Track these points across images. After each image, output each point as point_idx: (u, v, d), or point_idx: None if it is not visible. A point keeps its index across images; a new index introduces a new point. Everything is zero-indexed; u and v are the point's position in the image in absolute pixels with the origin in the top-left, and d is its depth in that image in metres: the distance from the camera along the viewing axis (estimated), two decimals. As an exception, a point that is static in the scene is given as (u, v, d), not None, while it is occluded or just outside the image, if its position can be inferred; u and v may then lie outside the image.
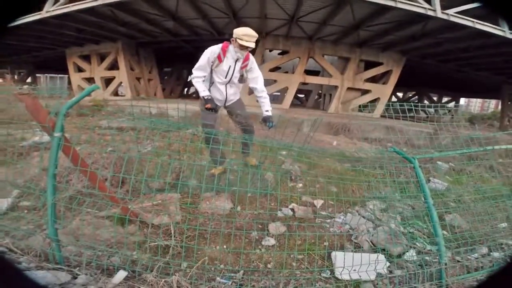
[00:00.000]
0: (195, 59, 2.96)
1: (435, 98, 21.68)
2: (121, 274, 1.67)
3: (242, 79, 3.03)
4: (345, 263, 2.05)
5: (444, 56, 13.51)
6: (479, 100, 34.80)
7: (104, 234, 2.41)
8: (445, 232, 2.87)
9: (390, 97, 24.50)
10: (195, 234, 2.45)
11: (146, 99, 14.24)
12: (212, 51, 2.81)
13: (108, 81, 15.80)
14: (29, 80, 22.53)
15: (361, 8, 9.52)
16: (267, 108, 3.07)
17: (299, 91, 19.31)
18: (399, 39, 12.02)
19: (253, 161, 3.34)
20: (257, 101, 3.23)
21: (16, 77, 18.53)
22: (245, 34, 2.67)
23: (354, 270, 2.04)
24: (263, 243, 2.54)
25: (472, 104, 41.92)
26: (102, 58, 15.63)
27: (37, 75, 23.41)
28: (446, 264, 2.09)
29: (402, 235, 2.78)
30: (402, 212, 3.33)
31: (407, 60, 14.11)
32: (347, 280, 2.10)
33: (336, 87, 13.97)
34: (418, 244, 2.76)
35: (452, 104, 21.63)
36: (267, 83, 14.80)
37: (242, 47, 2.72)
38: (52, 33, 12.89)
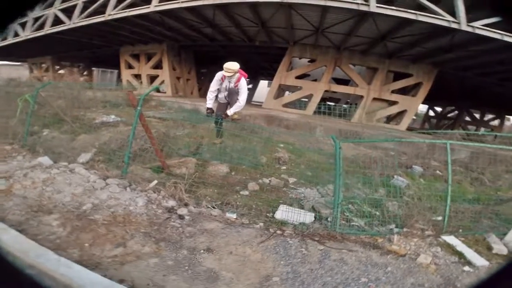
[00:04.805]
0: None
1: (477, 115, 20.89)
2: (154, 182, 3.45)
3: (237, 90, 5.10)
4: (285, 212, 3.53)
5: (482, 69, 13.66)
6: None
7: (146, 175, 4.29)
8: (377, 213, 4.12)
9: (427, 111, 24.18)
10: (202, 182, 4.18)
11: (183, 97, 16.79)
12: (218, 76, 5.10)
13: (152, 79, 18.71)
14: (85, 73, 26.97)
15: (384, 21, 10.57)
16: (232, 109, 5.06)
17: (328, 99, 20.39)
18: (428, 51, 12.64)
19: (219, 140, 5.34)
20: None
21: (76, 69, 22.49)
22: (226, 68, 4.84)
23: (288, 215, 3.51)
24: (241, 192, 4.18)
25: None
26: (149, 57, 18.58)
27: (93, 68, 27.99)
28: (336, 216, 3.41)
29: (337, 205, 4.14)
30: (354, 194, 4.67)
31: (444, 73, 14.44)
32: (279, 219, 3.56)
33: (361, 96, 14.88)
34: (347, 213, 4.06)
35: (496, 122, 20.65)
36: (295, 89, 16.31)
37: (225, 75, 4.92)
38: (111, 33, 16.02)
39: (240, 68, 5.00)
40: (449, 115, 22.25)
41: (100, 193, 2.95)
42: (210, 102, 5.14)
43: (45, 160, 4.21)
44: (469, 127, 19.56)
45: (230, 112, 5.02)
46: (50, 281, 1.50)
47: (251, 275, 2.03)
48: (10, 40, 18.30)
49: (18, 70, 25.91)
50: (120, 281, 1.68)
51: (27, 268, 1.49)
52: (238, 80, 4.98)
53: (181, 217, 2.71)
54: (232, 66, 4.80)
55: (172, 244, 2.23)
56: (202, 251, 2.21)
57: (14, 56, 23.86)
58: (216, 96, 5.20)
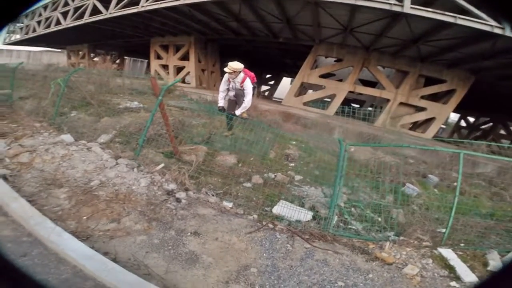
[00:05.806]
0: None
1: (512, 128, 19.10)
2: (161, 165, 3.62)
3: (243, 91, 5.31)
4: (283, 208, 3.55)
5: (527, 79, 12.57)
6: None
7: (157, 159, 4.49)
8: (379, 219, 4.02)
9: (459, 120, 22.63)
10: (208, 170, 4.32)
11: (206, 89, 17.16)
12: (225, 77, 5.43)
13: (179, 70, 19.27)
14: (117, 61, 28.33)
15: (418, 23, 10.03)
16: (239, 110, 5.31)
17: (352, 100, 19.78)
18: (466, 56, 11.84)
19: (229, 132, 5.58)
20: None
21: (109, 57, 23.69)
22: (228, 66, 5.12)
23: (285, 211, 3.53)
24: (244, 184, 4.26)
25: None
26: (177, 48, 19.16)
27: (125, 57, 29.40)
28: (331, 217, 3.37)
29: (335, 206, 4.07)
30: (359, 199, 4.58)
31: (481, 81, 13.48)
32: (275, 214, 3.59)
33: (388, 100, 14.30)
34: (346, 216, 3.98)
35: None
36: (318, 88, 15.96)
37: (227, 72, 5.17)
38: (143, 24, 16.70)
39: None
40: (482, 126, 20.69)
41: (109, 172, 3.17)
42: (221, 101, 5.48)
43: (67, 137, 4.56)
44: (503, 141, 18.04)
45: (237, 112, 5.26)
46: (41, 248, 1.65)
47: (231, 263, 2.09)
48: (53, 28, 19.70)
49: (58, 56, 27.86)
50: (104, 254, 1.83)
51: (25, 236, 1.65)
52: (243, 80, 5.18)
53: (178, 200, 2.84)
54: (234, 65, 5.03)
55: (163, 225, 2.35)
56: (189, 234, 2.32)
57: (55, 43, 25.65)
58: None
